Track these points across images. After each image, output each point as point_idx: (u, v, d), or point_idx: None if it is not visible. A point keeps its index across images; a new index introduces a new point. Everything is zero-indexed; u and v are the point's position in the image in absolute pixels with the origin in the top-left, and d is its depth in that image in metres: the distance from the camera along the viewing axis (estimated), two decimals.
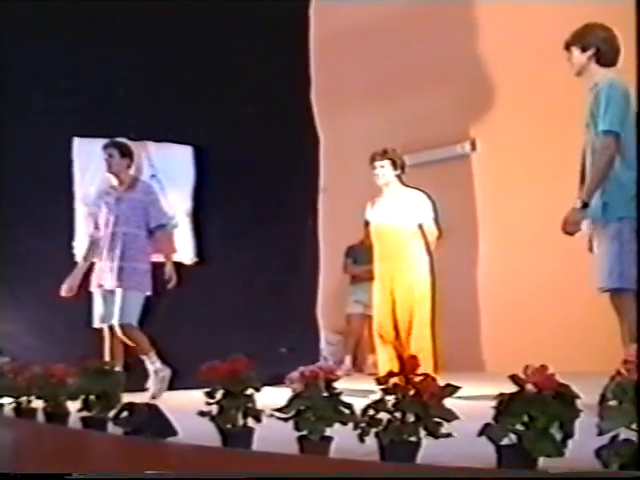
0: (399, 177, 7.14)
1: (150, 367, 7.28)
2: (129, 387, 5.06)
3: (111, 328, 7.27)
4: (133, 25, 8.23)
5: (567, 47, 5.51)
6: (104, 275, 7.32)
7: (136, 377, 7.06)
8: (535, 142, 9.62)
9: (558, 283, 9.24)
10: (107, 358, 7.07)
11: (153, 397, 6.93)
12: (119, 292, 7.19)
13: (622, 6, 5.51)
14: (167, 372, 7.27)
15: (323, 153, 9.37)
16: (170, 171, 8.38)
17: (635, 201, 5.09)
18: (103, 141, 8.10)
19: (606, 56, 5.36)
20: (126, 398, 4.68)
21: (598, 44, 5.36)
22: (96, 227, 7.51)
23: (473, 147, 10.55)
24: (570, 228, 5.23)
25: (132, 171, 7.54)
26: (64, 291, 7.37)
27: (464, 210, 10.48)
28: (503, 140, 10.10)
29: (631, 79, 5.07)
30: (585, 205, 5.14)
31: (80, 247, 8.05)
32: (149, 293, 7.34)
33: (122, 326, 7.18)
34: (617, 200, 5.11)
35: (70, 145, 8.17)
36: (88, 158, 8.25)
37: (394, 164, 7.11)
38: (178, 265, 7.59)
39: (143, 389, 7.16)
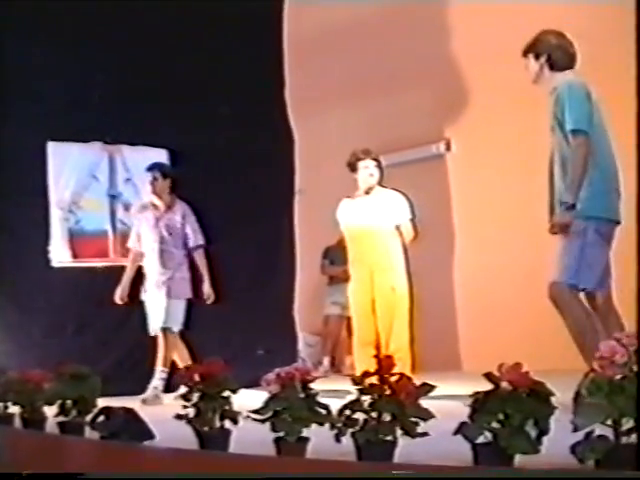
0: (381, 176, 7.16)
1: (154, 380, 7.48)
2: None
3: (166, 336, 7.64)
4: (107, 28, 8.19)
5: (524, 55, 5.57)
6: (150, 287, 7.74)
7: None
8: (509, 142, 9.64)
9: (534, 282, 9.24)
10: (161, 359, 7.55)
11: (143, 402, 7.12)
12: (168, 302, 7.65)
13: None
14: (161, 394, 7.41)
15: (298, 154, 9.36)
16: (145, 175, 8.35)
17: (603, 201, 5.15)
18: (78, 145, 8.12)
19: (559, 62, 5.40)
20: None
21: (550, 51, 5.41)
22: (138, 240, 7.89)
23: (448, 147, 10.57)
24: (560, 230, 5.24)
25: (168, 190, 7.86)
26: (117, 299, 7.73)
27: (440, 210, 10.50)
28: (478, 140, 10.12)
29: (631, 80, 5.08)
30: (573, 206, 5.15)
31: (55, 251, 8.05)
32: (189, 297, 7.79)
33: (165, 330, 7.62)
34: (586, 198, 5.13)
35: (45, 149, 8.13)
36: (63, 162, 8.23)
37: (379, 165, 7.12)
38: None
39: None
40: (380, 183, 7.16)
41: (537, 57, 5.47)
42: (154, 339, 7.72)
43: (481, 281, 9.85)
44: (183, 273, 7.76)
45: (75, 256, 8.20)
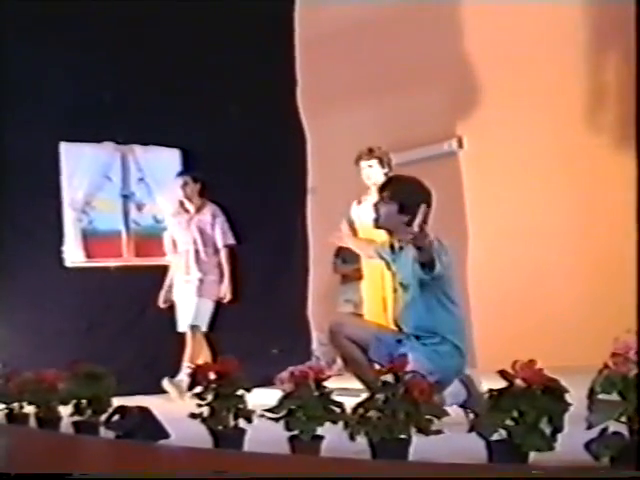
0: (387, 175, 7.01)
1: (180, 375, 7.59)
2: None
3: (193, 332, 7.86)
4: (118, 29, 8.21)
5: None
6: (182, 287, 7.98)
7: None
8: (522, 139, 9.63)
9: (547, 278, 9.27)
10: (189, 357, 7.71)
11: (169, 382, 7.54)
12: (198, 301, 7.89)
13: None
14: (185, 390, 7.26)
15: (310, 153, 9.36)
16: (158, 174, 8.39)
17: None
18: (90, 145, 8.15)
19: None
20: None
21: None
22: (174, 245, 8.12)
23: (460, 145, 10.55)
24: None
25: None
26: (161, 303, 8.01)
27: (452, 207, 10.48)
28: (490, 137, 10.11)
29: (631, 80, 5.07)
30: None
31: (69, 251, 8.08)
32: (217, 298, 7.97)
33: (193, 328, 7.84)
34: None
35: (57, 150, 8.15)
36: (76, 163, 8.25)
37: (381, 162, 7.07)
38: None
39: None
40: None
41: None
42: (169, 338, 7.76)
43: (495, 278, 9.83)
44: (214, 274, 7.95)
45: (88, 256, 8.22)
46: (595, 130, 8.90)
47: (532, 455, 2.97)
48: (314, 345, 9.92)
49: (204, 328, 7.85)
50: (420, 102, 10.38)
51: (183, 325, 7.90)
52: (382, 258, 5.49)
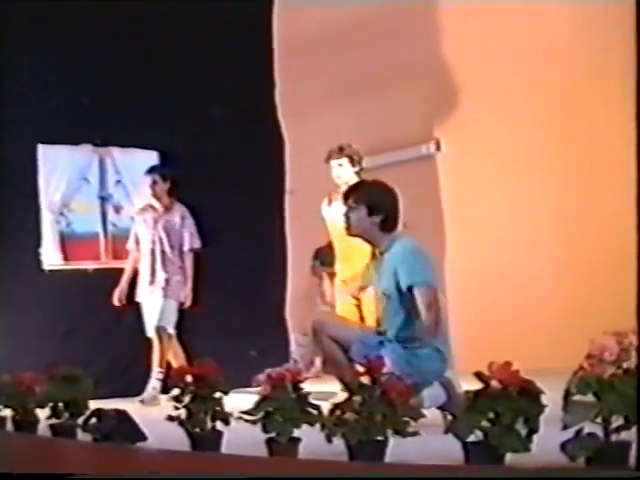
0: (358, 174, 7.00)
1: (152, 381, 7.54)
2: None
3: (161, 336, 7.71)
4: (97, 31, 8.20)
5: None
6: (146, 288, 7.80)
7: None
8: (499, 142, 9.66)
9: (525, 281, 9.30)
10: (157, 361, 7.63)
11: (142, 402, 7.28)
12: (164, 304, 7.73)
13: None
14: (159, 395, 7.41)
15: (289, 155, 9.37)
16: (135, 176, 8.35)
17: None
18: (68, 147, 8.13)
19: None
20: None
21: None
22: (136, 242, 7.93)
23: (438, 147, 10.57)
24: None
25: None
26: (115, 301, 7.77)
27: (430, 210, 10.51)
28: (468, 140, 10.14)
29: (631, 80, 5.09)
30: None
31: (46, 254, 8.06)
32: (182, 300, 7.81)
33: (159, 330, 7.69)
34: None
35: (35, 152, 8.13)
36: (53, 165, 8.22)
37: (352, 161, 6.99)
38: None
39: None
40: (361, 178, 6.90)
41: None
42: (147, 341, 7.74)
43: (472, 281, 9.86)
44: (179, 276, 7.79)
45: (66, 259, 8.20)
46: (576, 132, 8.93)
47: (508, 456, 2.98)
48: (292, 347, 9.93)
49: (171, 330, 7.72)
50: (398, 105, 10.40)
51: (151, 329, 7.77)
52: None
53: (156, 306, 7.72)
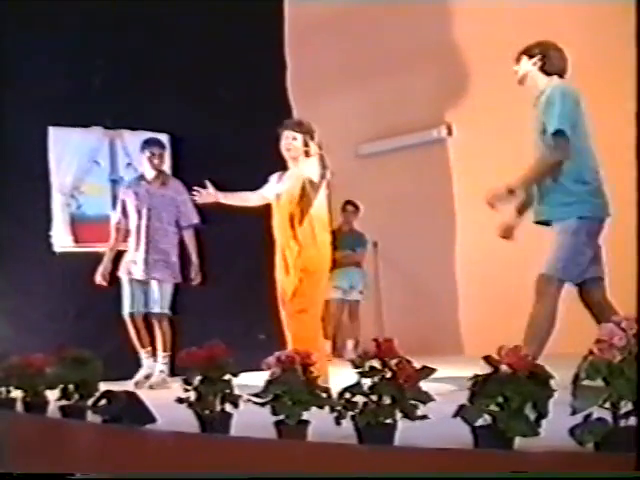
0: (307, 153, 6.56)
1: (158, 365, 7.45)
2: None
3: (135, 315, 7.53)
4: (107, 13, 8.19)
5: (516, 61, 5.60)
6: (135, 265, 7.51)
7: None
8: (510, 126, 9.63)
9: (534, 266, 9.27)
10: (136, 341, 7.50)
11: (151, 387, 7.20)
12: (155, 284, 7.48)
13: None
14: (168, 377, 7.32)
15: None
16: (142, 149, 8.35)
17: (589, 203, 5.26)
18: (79, 130, 8.12)
19: (551, 64, 5.40)
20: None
21: (544, 52, 5.42)
22: (124, 215, 7.64)
23: (449, 131, 10.57)
24: (494, 202, 5.43)
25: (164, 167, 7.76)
26: (98, 280, 7.53)
27: (441, 194, 10.51)
28: (479, 124, 10.12)
29: (631, 80, 5.07)
30: (512, 192, 5.37)
31: (57, 236, 8.07)
32: (179, 280, 7.62)
33: (158, 316, 7.51)
34: (576, 201, 5.25)
35: (46, 134, 8.14)
36: (64, 147, 8.24)
37: (305, 139, 6.53)
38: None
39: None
40: (308, 154, 6.53)
41: (530, 57, 5.48)
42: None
43: (482, 265, 9.86)
44: (174, 254, 7.59)
45: (77, 241, 8.22)
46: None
47: (517, 440, 2.98)
48: None
49: (168, 311, 7.54)
50: (409, 88, 10.40)
51: (130, 308, 7.53)
52: None
53: (149, 287, 7.51)
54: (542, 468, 2.79)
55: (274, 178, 6.81)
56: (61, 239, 8.15)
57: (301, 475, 3.21)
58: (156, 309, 7.50)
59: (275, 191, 6.71)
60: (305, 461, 3.31)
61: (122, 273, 7.58)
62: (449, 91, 10.55)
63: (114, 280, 7.61)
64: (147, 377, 7.36)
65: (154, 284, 7.50)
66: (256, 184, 8.63)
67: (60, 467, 4.37)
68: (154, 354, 7.50)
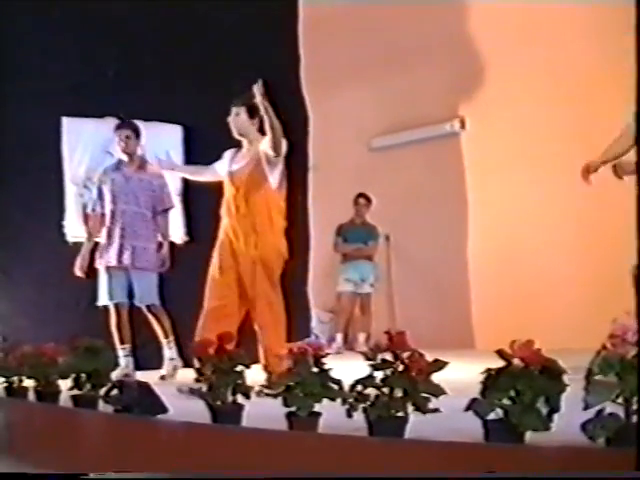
0: (259, 128, 6.25)
1: (167, 352, 7.30)
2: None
3: (118, 306, 7.24)
4: (122, 4, 8.20)
5: None
6: (114, 252, 7.19)
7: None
8: (525, 121, 9.63)
9: (548, 260, 9.28)
10: (115, 336, 7.16)
11: (162, 378, 7.02)
12: (135, 273, 7.19)
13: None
14: (179, 363, 7.22)
15: (312, 131, 9.36)
16: (159, 150, 8.34)
17: None
18: (92, 120, 8.13)
19: None
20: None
21: None
22: (101, 202, 7.34)
23: (462, 125, 10.56)
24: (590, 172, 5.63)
25: (140, 150, 7.45)
26: (77, 271, 7.21)
27: (454, 188, 10.50)
28: (492, 118, 10.11)
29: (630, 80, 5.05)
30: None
31: (70, 226, 8.08)
32: (161, 270, 7.32)
33: (149, 307, 7.27)
34: None
35: (59, 125, 8.15)
36: (77, 138, 8.24)
37: (250, 111, 6.24)
38: (169, 244, 7.56)
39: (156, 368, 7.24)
40: (262, 131, 6.20)
41: None
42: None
43: (494, 259, 9.86)
44: (152, 241, 7.26)
45: None
46: (601, 113, 8.87)
47: (528, 435, 2.98)
48: (313, 323, 9.96)
49: (157, 302, 7.28)
50: (423, 82, 10.39)
51: (109, 298, 7.19)
52: None
53: (145, 278, 7.22)
54: (553, 463, 2.79)
55: (228, 155, 6.45)
56: (74, 229, 8.15)
57: (311, 475, 3.21)
58: (150, 301, 7.25)
59: (227, 168, 6.35)
60: (316, 453, 3.31)
61: (99, 262, 7.25)
62: (462, 85, 10.53)
63: (92, 272, 7.30)
64: (126, 375, 6.68)
65: (139, 274, 7.20)
66: None
67: (71, 456, 4.39)
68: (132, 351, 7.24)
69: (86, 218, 7.57)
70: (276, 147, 6.08)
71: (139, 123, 8.23)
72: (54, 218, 8.12)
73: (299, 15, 9.30)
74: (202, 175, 6.84)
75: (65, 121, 8.17)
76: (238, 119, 6.27)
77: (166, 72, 8.34)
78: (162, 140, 8.30)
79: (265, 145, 6.12)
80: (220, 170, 6.44)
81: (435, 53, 10.36)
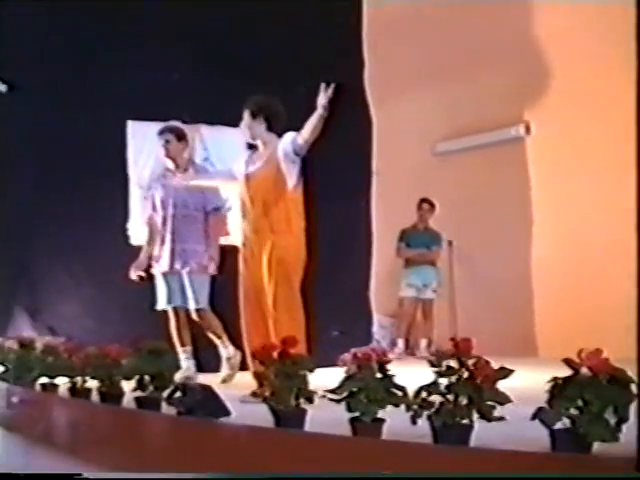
0: (269, 128, 6.25)
1: (223, 352, 7.29)
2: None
3: (177, 310, 7.30)
4: (187, 9, 8.25)
5: None
6: (166, 257, 7.26)
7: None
8: (589, 125, 9.52)
9: (613, 268, 9.15)
10: (175, 339, 7.21)
11: (223, 381, 6.99)
12: (186, 276, 7.22)
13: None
14: (238, 357, 7.14)
15: (376, 137, 9.34)
16: (223, 154, 8.40)
17: None
18: (157, 124, 8.17)
19: None
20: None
21: None
22: (154, 209, 7.42)
23: (527, 130, 10.46)
24: None
25: (186, 154, 7.48)
26: (131, 274, 7.27)
27: (518, 193, 10.41)
28: (558, 123, 10.01)
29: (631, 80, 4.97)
30: None
31: (134, 229, 8.15)
32: (214, 273, 7.30)
33: (198, 311, 7.27)
34: None
35: (124, 128, 8.23)
36: (142, 141, 8.32)
37: (252, 114, 6.25)
38: (231, 247, 7.56)
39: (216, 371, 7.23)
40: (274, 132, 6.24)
41: None
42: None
43: (558, 267, 9.75)
44: (202, 243, 7.23)
45: None
46: None
47: (595, 445, 2.94)
48: (374, 328, 9.94)
49: (206, 305, 7.28)
50: (487, 87, 10.31)
51: (166, 302, 7.30)
52: None
53: (184, 281, 7.25)
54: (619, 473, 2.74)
55: (244, 157, 6.40)
56: (138, 232, 8.22)
57: (374, 475, 3.19)
58: (199, 304, 7.26)
59: (244, 171, 6.25)
60: (380, 459, 3.29)
61: (155, 267, 7.35)
62: (527, 89, 10.44)
63: (150, 276, 7.37)
64: (188, 378, 6.63)
65: (190, 277, 7.23)
66: (332, 181, 8.66)
67: (134, 458, 4.41)
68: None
69: (147, 223, 7.59)
70: (302, 148, 6.08)
71: (203, 127, 8.29)
72: (119, 221, 8.20)
73: (363, 21, 9.29)
74: (215, 179, 6.94)
75: (130, 124, 8.25)
76: (245, 124, 6.26)
77: (230, 76, 8.38)
78: (226, 143, 8.33)
79: (287, 143, 6.08)
80: (237, 173, 6.35)
81: (500, 57, 10.28)
